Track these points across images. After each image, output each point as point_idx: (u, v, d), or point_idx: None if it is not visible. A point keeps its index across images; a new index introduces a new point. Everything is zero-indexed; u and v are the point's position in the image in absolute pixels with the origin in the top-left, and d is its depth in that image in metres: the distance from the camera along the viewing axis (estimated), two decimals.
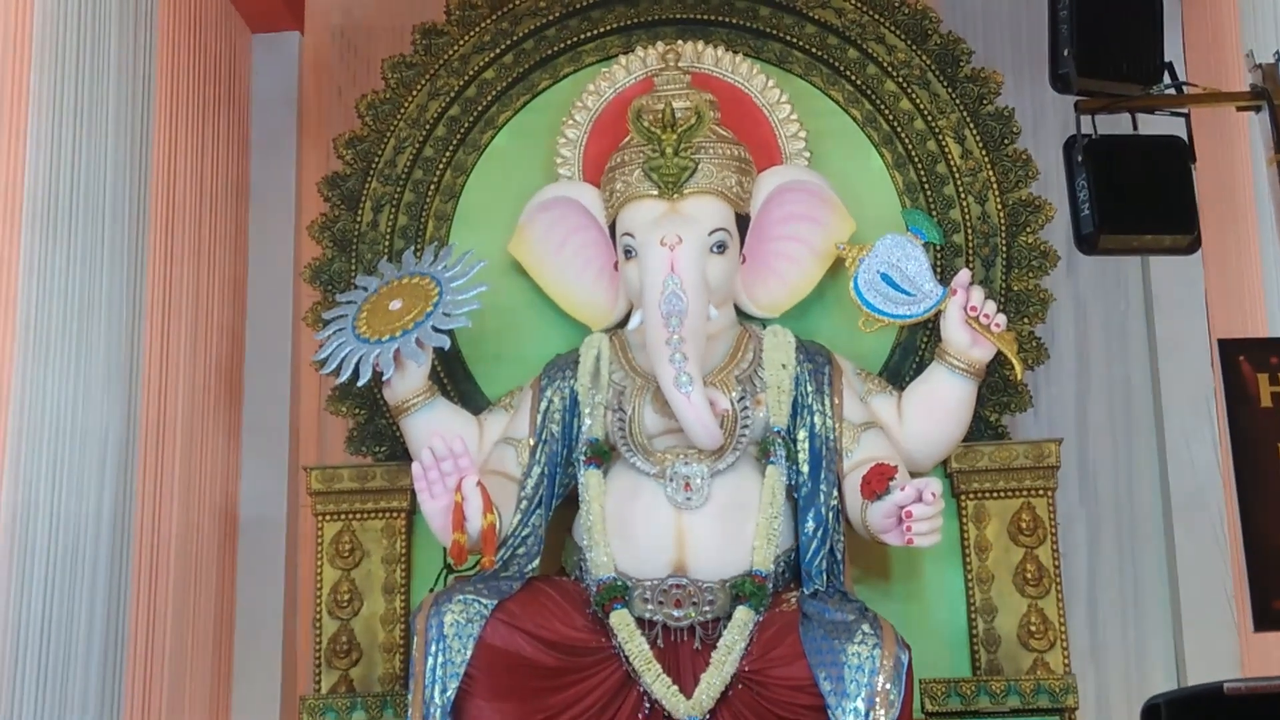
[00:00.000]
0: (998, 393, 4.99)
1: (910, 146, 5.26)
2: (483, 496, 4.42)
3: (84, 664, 4.64)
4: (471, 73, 5.43)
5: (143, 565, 5.07)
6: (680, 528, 4.60)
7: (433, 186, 5.38)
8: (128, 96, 5.13)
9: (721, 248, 4.81)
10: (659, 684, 4.38)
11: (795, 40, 5.38)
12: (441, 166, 5.39)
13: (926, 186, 5.22)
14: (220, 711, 5.57)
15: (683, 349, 4.56)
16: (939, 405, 4.82)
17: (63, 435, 4.60)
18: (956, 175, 5.21)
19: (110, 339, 4.93)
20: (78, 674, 4.60)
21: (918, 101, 5.27)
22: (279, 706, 5.65)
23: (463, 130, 5.41)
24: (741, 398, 4.73)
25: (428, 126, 5.40)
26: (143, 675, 5.03)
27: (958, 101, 5.25)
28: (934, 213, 5.15)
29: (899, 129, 5.27)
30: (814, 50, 5.37)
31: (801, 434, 4.73)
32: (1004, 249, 5.15)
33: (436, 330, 4.78)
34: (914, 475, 4.58)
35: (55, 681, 4.48)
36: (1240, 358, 2.51)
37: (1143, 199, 2.72)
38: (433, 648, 4.32)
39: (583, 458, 4.75)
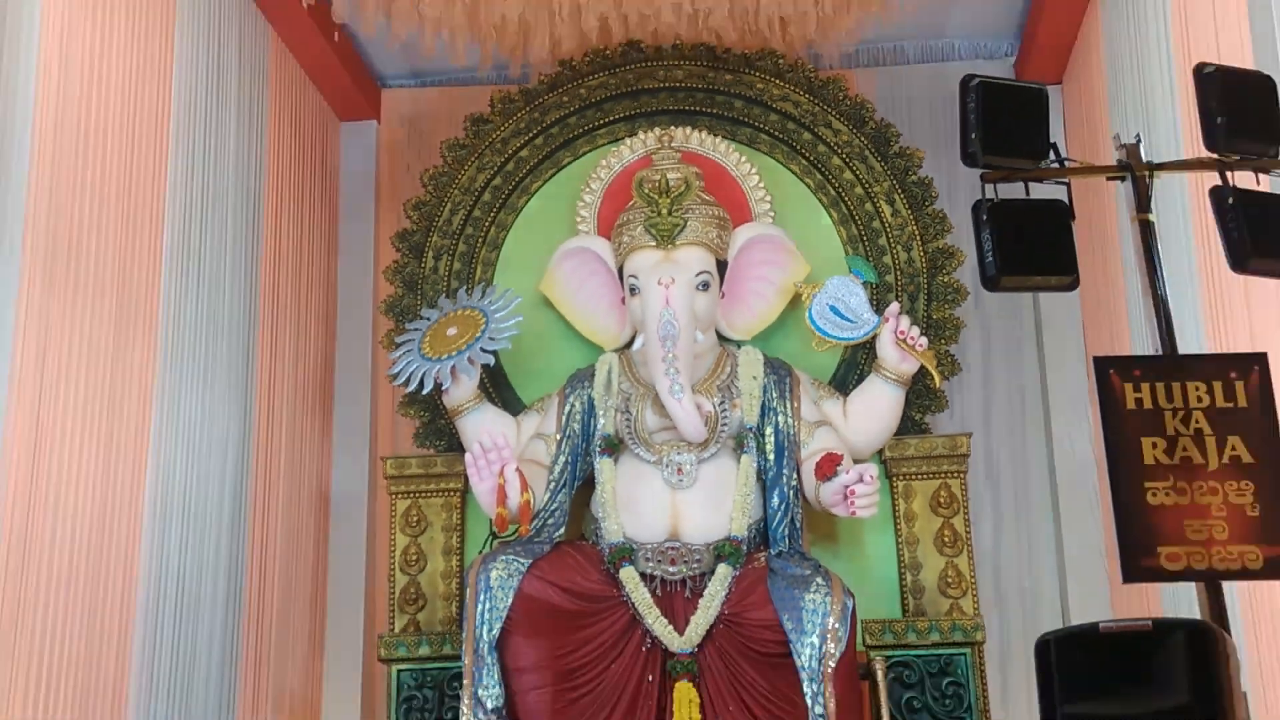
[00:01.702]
0: (921, 397, 4.98)
1: (851, 207, 5.26)
2: (520, 480, 4.42)
3: (210, 610, 4.65)
4: (510, 152, 5.43)
5: (255, 534, 5.07)
6: (674, 503, 4.61)
7: (481, 239, 5.38)
8: (245, 173, 5.16)
9: (705, 286, 4.81)
10: (658, 624, 4.39)
11: (762, 126, 5.39)
12: (487, 224, 5.39)
13: (864, 238, 5.22)
14: (316, 647, 5.57)
15: (675, 365, 4.58)
16: (875, 407, 4.83)
17: (194, 434, 4.62)
18: (888, 230, 5.21)
19: (231, 360, 4.94)
20: (205, 617, 4.61)
21: (857, 173, 5.27)
22: (361, 643, 5.64)
23: (504, 196, 5.41)
24: (721, 402, 4.73)
25: (476, 193, 5.41)
26: (256, 620, 5.03)
27: (888, 172, 5.25)
28: (870, 259, 5.15)
29: (842, 194, 5.28)
30: (776, 133, 5.38)
31: (768, 430, 4.73)
32: (925, 286, 5.15)
33: (484, 350, 4.79)
34: (856, 462, 4.59)
35: (187, 624, 4.49)
36: (1110, 371, 2.51)
37: (1034, 248, 2.72)
38: (481, 597, 4.32)
39: (598, 449, 4.75)
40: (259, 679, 5.02)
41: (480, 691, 4.27)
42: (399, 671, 4.77)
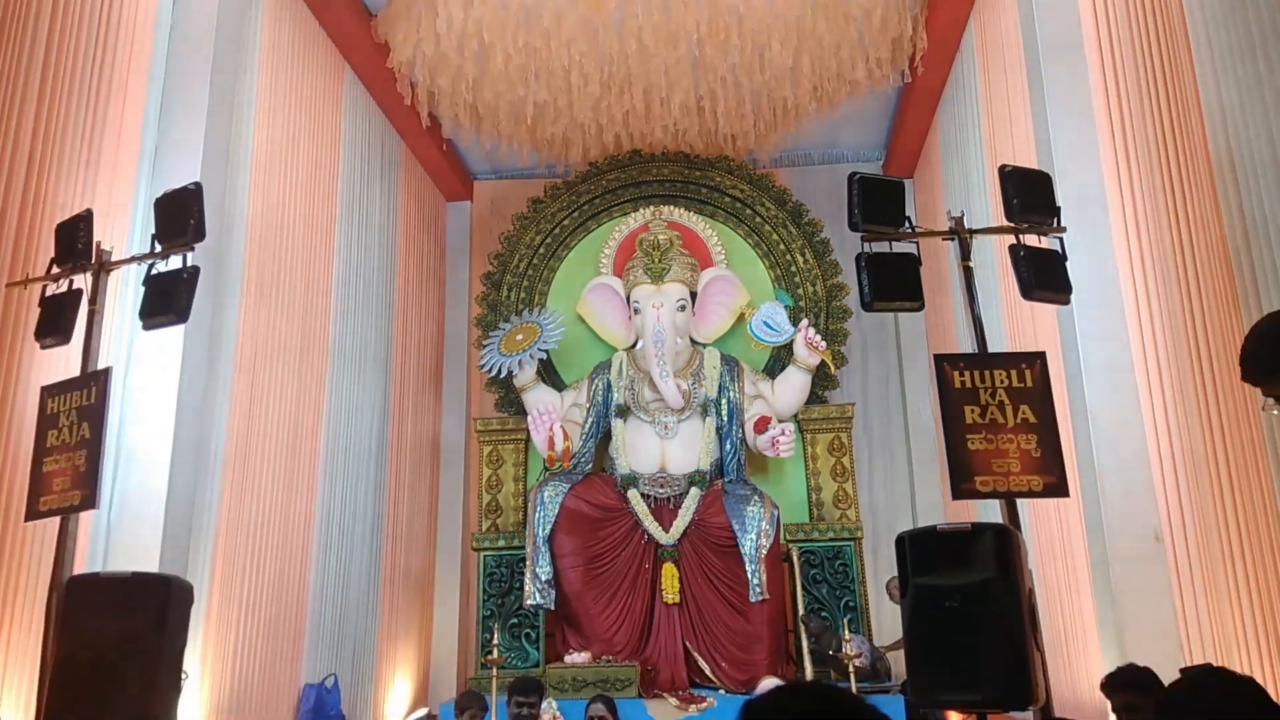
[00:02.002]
0: (822, 379, 5.03)
1: (777, 258, 5.30)
2: (563, 433, 4.48)
3: (363, 516, 4.67)
4: (557, 221, 5.48)
5: (391, 467, 5.10)
6: (662, 448, 4.66)
7: (538, 278, 5.41)
8: (385, 235, 5.18)
9: (683, 308, 4.86)
10: (652, 526, 4.45)
11: (719, 205, 5.43)
12: (542, 268, 5.43)
13: (785, 278, 5.26)
14: (431, 540, 5.60)
15: (663, 359, 4.65)
16: (792, 386, 4.88)
17: (351, 403, 4.64)
18: (800, 272, 5.25)
19: (375, 357, 4.96)
20: (359, 520, 4.64)
21: (780, 235, 5.32)
22: (460, 537, 5.69)
23: (553, 250, 5.45)
24: (693, 383, 4.78)
25: (535, 248, 5.44)
26: (392, 522, 5.06)
27: (801, 235, 5.30)
28: (789, 290, 5.20)
29: (771, 249, 5.32)
30: (729, 210, 5.42)
31: (723, 401, 4.78)
32: (825, 308, 5.20)
33: (540, 350, 4.84)
34: (781, 421, 4.67)
35: (348, 525, 4.51)
36: (944, 363, 2.53)
37: (895, 284, 2.73)
38: (538, 508, 4.39)
39: (613, 413, 4.81)
40: (394, 560, 5.05)
41: (537, 569, 4.35)
42: (484, 556, 4.82)
